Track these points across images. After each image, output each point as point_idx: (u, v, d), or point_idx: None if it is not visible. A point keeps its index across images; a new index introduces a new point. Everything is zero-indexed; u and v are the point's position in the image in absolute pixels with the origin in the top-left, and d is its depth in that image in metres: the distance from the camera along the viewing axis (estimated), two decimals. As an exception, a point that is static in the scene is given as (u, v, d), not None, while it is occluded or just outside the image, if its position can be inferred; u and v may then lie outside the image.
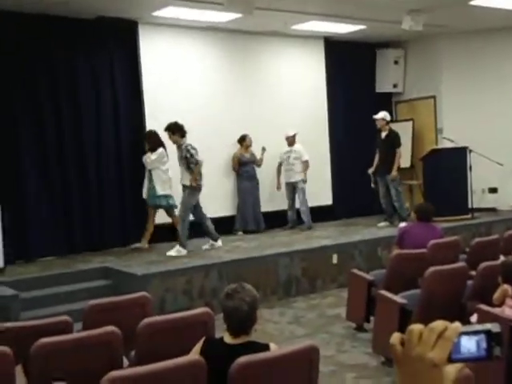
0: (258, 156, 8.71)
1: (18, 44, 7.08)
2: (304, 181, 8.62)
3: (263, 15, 7.60)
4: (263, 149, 8.65)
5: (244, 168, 8.57)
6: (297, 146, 8.72)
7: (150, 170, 7.48)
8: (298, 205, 8.81)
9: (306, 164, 8.64)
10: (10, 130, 7.06)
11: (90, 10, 7.24)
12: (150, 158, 7.48)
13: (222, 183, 8.64)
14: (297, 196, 8.73)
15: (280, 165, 8.82)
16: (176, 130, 7.14)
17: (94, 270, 6.51)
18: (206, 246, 7.28)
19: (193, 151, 7.02)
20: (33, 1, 6.64)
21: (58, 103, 7.44)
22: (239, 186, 8.62)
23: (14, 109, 7.12)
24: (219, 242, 7.34)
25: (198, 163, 7.01)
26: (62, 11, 7.14)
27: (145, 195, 7.54)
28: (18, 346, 2.75)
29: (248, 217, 8.53)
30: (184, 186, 7.08)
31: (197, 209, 7.20)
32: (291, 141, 8.72)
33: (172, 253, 6.93)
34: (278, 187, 8.82)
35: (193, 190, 7.03)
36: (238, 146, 8.62)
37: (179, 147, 7.12)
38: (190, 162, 7.00)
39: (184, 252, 6.96)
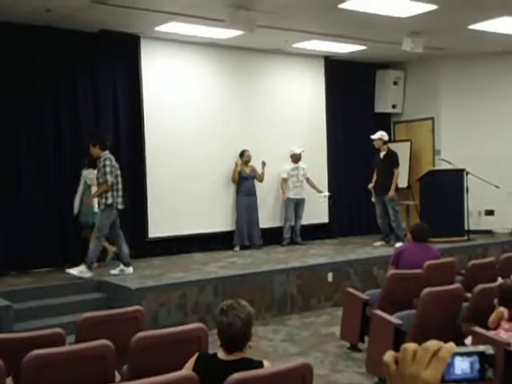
0: (260, 171, 8.71)
1: (21, 55, 7.13)
2: (325, 194, 9.04)
3: (265, 33, 7.67)
4: (263, 163, 8.67)
5: (243, 183, 8.58)
6: (302, 164, 8.95)
7: (89, 186, 7.04)
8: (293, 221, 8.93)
9: (310, 180, 8.99)
10: (9, 140, 7.07)
11: (94, 24, 7.30)
12: (92, 173, 6.96)
13: (222, 198, 8.63)
14: (295, 212, 8.88)
15: (284, 180, 8.90)
16: (97, 141, 6.60)
17: (88, 283, 6.48)
18: (114, 271, 6.72)
19: (107, 169, 6.48)
20: (38, 13, 6.70)
21: (58, 115, 7.48)
22: (237, 200, 8.63)
23: (15, 119, 7.14)
24: (130, 269, 6.75)
25: (106, 182, 6.47)
26: (67, 24, 7.20)
27: (77, 211, 7.11)
28: (9, 357, 2.73)
29: (243, 232, 8.53)
30: (98, 204, 6.64)
31: (113, 228, 6.66)
32: (297, 158, 8.89)
33: (74, 271, 6.45)
34: (285, 200, 8.93)
35: (108, 208, 6.53)
36: (240, 160, 8.64)
37: (99, 160, 6.58)
38: (99, 177, 6.56)
39: (88, 274, 6.47)
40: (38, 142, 7.31)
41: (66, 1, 6.39)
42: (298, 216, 8.96)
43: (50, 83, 7.43)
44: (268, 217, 9.01)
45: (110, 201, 6.51)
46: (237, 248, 8.47)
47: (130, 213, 7.95)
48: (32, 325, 5.29)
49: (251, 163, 8.64)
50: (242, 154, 8.60)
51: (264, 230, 8.81)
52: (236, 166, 8.56)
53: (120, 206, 6.65)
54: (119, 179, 6.66)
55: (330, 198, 9.15)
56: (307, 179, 8.99)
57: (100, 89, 7.83)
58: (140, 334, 3.02)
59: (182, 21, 7.26)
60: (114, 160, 6.63)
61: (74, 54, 7.56)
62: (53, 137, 7.39)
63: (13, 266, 7.00)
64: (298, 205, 8.93)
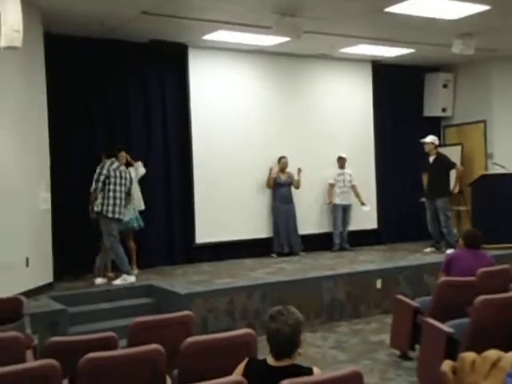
0: (296, 177, 8.57)
1: (73, 66, 7.38)
2: (364, 204, 8.91)
3: (311, 38, 7.66)
4: (299, 170, 8.51)
5: (279, 190, 8.49)
6: (348, 170, 8.91)
7: (130, 188, 6.87)
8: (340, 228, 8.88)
9: (355, 187, 8.91)
10: (62, 147, 7.28)
11: (143, 34, 7.47)
12: (131, 172, 7.05)
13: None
14: (343, 218, 8.85)
15: (331, 186, 8.87)
16: (106, 153, 6.76)
17: (139, 288, 6.60)
18: (117, 281, 6.65)
19: (101, 177, 6.45)
20: (89, 25, 6.91)
21: (110, 126, 7.72)
22: (273, 207, 8.55)
23: (67, 128, 7.37)
24: (98, 280, 6.68)
25: (96, 190, 6.47)
26: (117, 35, 7.41)
27: (124, 216, 6.83)
28: (65, 359, 2.81)
29: (282, 239, 8.45)
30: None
31: (102, 236, 6.65)
32: (343, 163, 8.86)
33: (118, 281, 6.57)
34: (329, 203, 8.90)
35: (99, 215, 6.54)
36: (276, 167, 8.56)
37: None
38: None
39: (131, 279, 6.61)
40: (89, 151, 7.49)
41: (117, 13, 6.57)
42: (345, 222, 8.89)
43: (101, 94, 7.66)
44: (314, 223, 8.96)
45: (97, 208, 6.54)
46: (274, 255, 8.35)
47: (178, 219, 8.08)
48: (86, 328, 5.43)
49: (288, 170, 8.53)
50: (279, 160, 8.51)
51: (310, 236, 8.76)
52: (270, 172, 8.47)
53: (110, 215, 6.50)
54: (117, 188, 6.55)
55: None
56: (353, 186, 8.91)
57: (149, 98, 8.00)
58: (190, 339, 3.05)
59: (228, 29, 7.34)
60: (109, 167, 6.53)
61: (125, 64, 7.76)
62: (103, 147, 7.56)
63: (68, 271, 7.18)
64: (345, 211, 8.87)
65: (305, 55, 8.86)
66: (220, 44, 8.03)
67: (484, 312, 4.11)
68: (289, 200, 8.54)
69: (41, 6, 6.32)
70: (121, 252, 6.65)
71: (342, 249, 8.81)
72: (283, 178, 8.51)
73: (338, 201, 8.85)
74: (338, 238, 8.85)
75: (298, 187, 8.59)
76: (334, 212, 8.88)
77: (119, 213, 6.60)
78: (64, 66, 7.26)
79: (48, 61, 6.78)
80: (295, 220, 8.58)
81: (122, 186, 6.63)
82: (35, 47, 6.49)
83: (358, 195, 8.93)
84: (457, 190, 8.34)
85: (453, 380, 0.84)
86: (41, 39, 6.66)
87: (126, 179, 6.70)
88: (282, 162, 8.49)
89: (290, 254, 8.44)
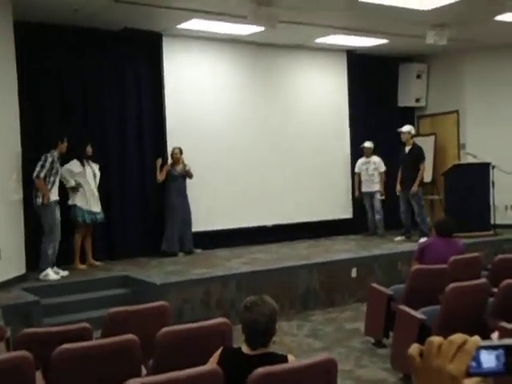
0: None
1: (45, 54, 7.25)
2: (380, 192, 9.06)
3: (286, 28, 7.65)
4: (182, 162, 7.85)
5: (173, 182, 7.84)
6: (374, 158, 9.10)
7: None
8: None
9: (382, 175, 9.06)
10: (33, 136, 7.14)
11: (117, 23, 7.37)
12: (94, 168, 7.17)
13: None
14: (371, 204, 9.15)
15: (358, 175, 9.20)
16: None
17: (114, 279, 6.56)
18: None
19: (46, 164, 6.42)
20: (62, 13, 6.79)
21: (86, 113, 7.62)
22: (169, 202, 7.87)
23: (38, 117, 7.25)
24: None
25: (38, 177, 6.40)
26: (91, 23, 7.29)
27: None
28: (38, 351, 2.79)
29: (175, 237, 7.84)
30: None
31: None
32: (368, 152, 9.08)
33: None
34: (358, 195, 9.24)
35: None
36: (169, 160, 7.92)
37: None
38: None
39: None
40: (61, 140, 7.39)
41: (91, 0, 6.46)
42: (374, 209, 9.14)
43: (76, 82, 7.56)
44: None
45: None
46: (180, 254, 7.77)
47: (151, 211, 8.04)
48: (60, 319, 5.39)
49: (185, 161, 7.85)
50: (171, 153, 7.86)
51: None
52: (159, 165, 7.80)
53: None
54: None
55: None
56: (380, 174, 9.09)
57: (123, 87, 7.92)
58: (165, 329, 3.05)
59: (203, 18, 7.28)
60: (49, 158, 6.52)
61: (99, 52, 7.66)
62: (78, 135, 7.47)
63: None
64: (371, 197, 9.14)
65: (280, 45, 8.85)
66: (194, 33, 7.97)
67: (455, 299, 4.19)
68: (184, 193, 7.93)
69: (11, -7, 6.20)
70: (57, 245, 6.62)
71: (374, 234, 9.13)
72: (178, 169, 7.83)
73: (363, 188, 9.18)
74: (371, 222, 9.19)
75: (191, 177, 7.90)
76: (363, 199, 9.22)
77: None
78: (36, 54, 7.13)
79: (19, 49, 6.64)
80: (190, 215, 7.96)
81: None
82: (5, 35, 6.35)
83: (379, 182, 9.09)
84: (416, 187, 8.50)
85: (420, 363, 0.86)
86: (10, 27, 6.50)
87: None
88: (174, 153, 7.82)
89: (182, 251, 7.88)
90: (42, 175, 6.45)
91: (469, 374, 0.84)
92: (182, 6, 6.83)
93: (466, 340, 0.84)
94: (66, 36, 7.35)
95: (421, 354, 0.87)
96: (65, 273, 6.64)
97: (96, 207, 7.11)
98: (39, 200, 6.46)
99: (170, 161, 7.93)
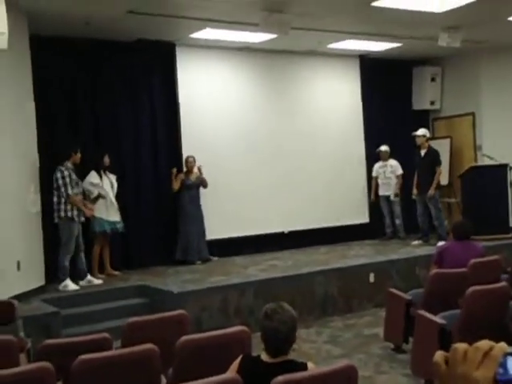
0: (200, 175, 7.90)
1: (60, 67, 7.32)
2: (397, 194, 9.03)
3: (298, 35, 7.65)
4: (199, 168, 7.87)
5: (187, 192, 7.81)
6: (391, 161, 9.11)
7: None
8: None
9: (399, 178, 9.05)
10: (51, 148, 7.21)
11: (130, 34, 7.44)
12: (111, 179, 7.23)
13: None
14: (390, 208, 9.14)
15: (375, 178, 9.18)
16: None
17: (132, 288, 6.58)
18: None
19: (66, 179, 6.47)
20: (75, 25, 6.87)
21: (97, 127, 7.69)
22: (183, 211, 7.91)
23: (54, 130, 7.33)
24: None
25: (68, 196, 6.47)
26: (103, 35, 7.36)
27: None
28: (59, 362, 2.80)
29: (191, 246, 7.85)
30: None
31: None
32: (384, 156, 9.09)
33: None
34: (373, 199, 9.23)
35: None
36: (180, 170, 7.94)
37: None
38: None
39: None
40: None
41: (103, 12, 6.53)
42: (393, 213, 9.13)
43: (89, 94, 7.62)
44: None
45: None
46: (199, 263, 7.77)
47: (167, 220, 8.06)
48: (79, 330, 5.41)
49: (196, 170, 7.87)
50: (185, 162, 7.88)
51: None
52: (174, 174, 7.78)
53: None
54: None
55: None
56: (397, 177, 9.07)
57: (137, 98, 7.96)
58: (185, 338, 3.05)
59: (215, 27, 7.32)
60: (65, 172, 6.55)
61: (112, 64, 7.72)
62: (92, 146, 7.52)
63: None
64: (388, 201, 9.13)
65: (293, 52, 8.86)
66: (207, 42, 8.01)
67: (475, 303, 4.14)
68: (198, 203, 7.92)
69: (26, 9, 6.27)
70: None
71: (393, 237, 9.11)
72: (192, 179, 7.83)
73: (381, 192, 9.16)
74: (388, 227, 9.16)
75: (206, 186, 7.90)
76: (380, 203, 9.20)
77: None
78: (51, 67, 7.20)
79: (35, 63, 6.72)
80: (204, 224, 7.93)
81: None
82: (21, 49, 6.43)
83: (396, 185, 9.07)
84: (433, 191, 8.44)
85: (445, 370, 0.85)
86: (26, 41, 6.60)
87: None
88: (189, 162, 7.83)
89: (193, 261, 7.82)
90: (71, 192, 6.51)
91: (496, 381, 0.83)
92: (195, 15, 6.87)
93: (493, 346, 0.82)
94: (79, 48, 7.42)
95: (446, 362, 0.85)
96: (99, 281, 6.73)
97: (116, 217, 7.16)
98: (62, 214, 6.50)
99: (184, 169, 7.97)
